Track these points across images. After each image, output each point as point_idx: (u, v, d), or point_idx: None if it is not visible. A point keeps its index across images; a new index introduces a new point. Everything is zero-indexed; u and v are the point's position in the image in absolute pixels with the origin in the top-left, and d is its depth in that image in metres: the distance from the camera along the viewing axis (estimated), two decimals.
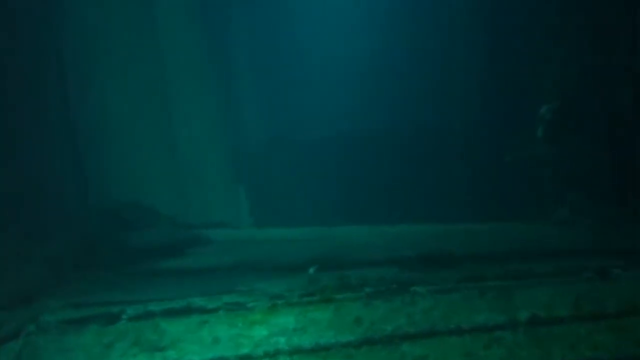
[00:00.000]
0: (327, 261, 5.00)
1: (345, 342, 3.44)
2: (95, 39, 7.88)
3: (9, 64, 6.50)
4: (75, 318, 4.07)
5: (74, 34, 7.74)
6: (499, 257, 4.90)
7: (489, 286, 4.17)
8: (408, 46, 12.04)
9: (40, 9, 7.15)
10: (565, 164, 6.85)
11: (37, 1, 7.24)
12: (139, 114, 8.26)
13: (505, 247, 5.19)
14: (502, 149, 9.04)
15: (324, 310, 3.99)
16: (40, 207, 6.08)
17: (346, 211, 11.72)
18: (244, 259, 5.26)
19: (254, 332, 3.68)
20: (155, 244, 5.53)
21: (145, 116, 8.40)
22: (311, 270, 4.54)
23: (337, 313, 3.88)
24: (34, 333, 3.95)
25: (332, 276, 4.53)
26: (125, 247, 5.60)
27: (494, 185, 9.54)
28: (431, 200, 11.06)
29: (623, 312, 3.62)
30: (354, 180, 11.93)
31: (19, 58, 6.67)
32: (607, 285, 4.03)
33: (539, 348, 3.25)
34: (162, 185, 7.93)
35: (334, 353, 3.36)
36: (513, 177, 8.85)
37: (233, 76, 12.14)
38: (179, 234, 6.03)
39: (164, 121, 9.06)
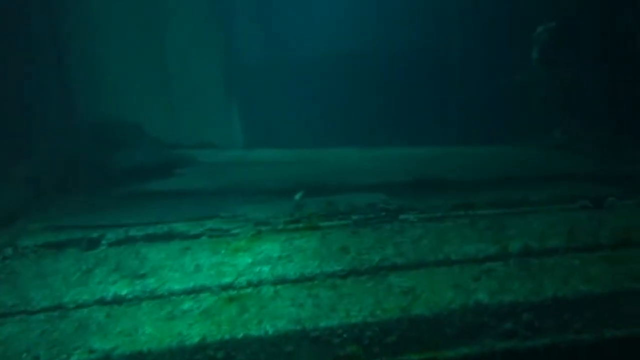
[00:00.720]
0: (315, 186, 4.86)
1: (331, 272, 3.32)
2: None
3: None
4: (54, 242, 3.95)
5: None
6: (491, 183, 4.77)
7: (480, 215, 4.05)
8: None
9: None
10: (560, 87, 6.67)
11: None
12: (126, 27, 7.99)
13: (498, 172, 5.06)
14: (496, 71, 8.84)
15: (309, 238, 3.86)
16: (23, 126, 5.91)
17: (339, 132, 11.58)
18: (230, 182, 5.11)
19: (237, 260, 3.55)
20: (140, 165, 5.37)
21: (133, 30, 8.14)
22: (297, 196, 4.39)
23: (323, 241, 3.76)
24: (11, 257, 3.84)
25: (319, 202, 4.40)
26: (108, 168, 5.45)
27: (487, 109, 9.36)
28: (423, 122, 10.90)
29: (618, 243, 3.51)
30: (347, 101, 11.74)
31: None
32: (602, 215, 3.90)
33: (531, 281, 3.14)
34: (150, 102, 7.74)
35: (319, 284, 3.25)
36: (506, 100, 8.67)
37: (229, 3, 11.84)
38: (165, 154, 5.86)
39: (152, 35, 8.80)
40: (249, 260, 3.55)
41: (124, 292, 3.23)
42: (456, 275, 3.26)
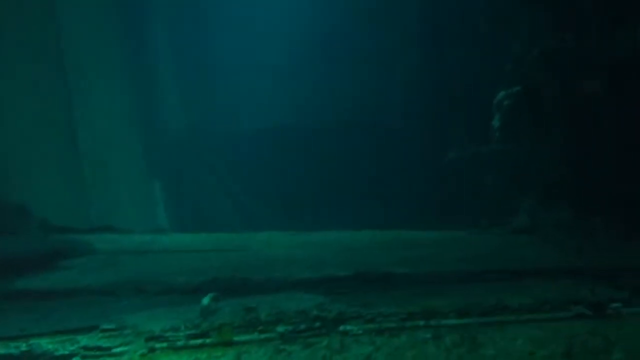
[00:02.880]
0: (233, 282, 3.85)
1: None
2: None
3: None
4: None
5: None
6: (452, 280, 3.82)
7: (445, 326, 3.08)
8: (342, 35, 11.01)
9: None
10: (521, 162, 5.85)
11: None
12: (24, 92, 6.94)
13: (457, 265, 4.12)
14: (444, 146, 8.06)
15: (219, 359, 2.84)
16: None
17: (271, 213, 10.60)
18: (126, 277, 4.05)
19: None
20: (14, 256, 4.26)
21: (33, 97, 7.09)
22: (205, 300, 3.37)
23: None
24: None
25: (236, 306, 3.39)
26: None
27: (434, 187, 8.52)
28: (362, 202, 9.99)
29: None
30: (279, 179, 10.80)
31: None
32: (607, 327, 2.97)
33: None
34: (49, 179, 6.68)
35: None
36: (457, 177, 7.87)
37: (147, 60, 10.91)
38: (51, 241, 4.77)
39: (59, 105, 7.78)
40: None
41: None
42: None
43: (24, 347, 3.00)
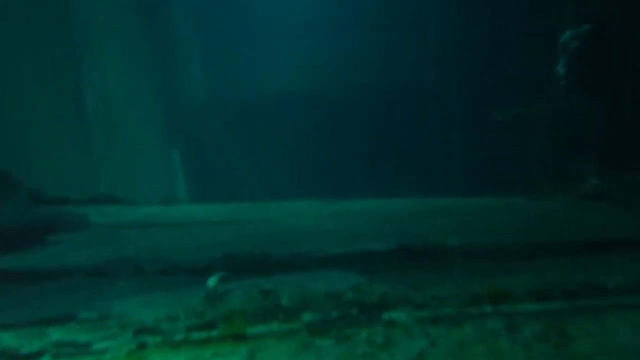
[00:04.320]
0: (249, 260, 3.15)
1: None
2: None
3: None
4: None
5: None
6: (522, 253, 3.09)
7: (522, 313, 2.36)
8: None
9: None
10: (584, 120, 5.08)
11: None
12: (21, 45, 6.29)
13: (525, 234, 3.38)
14: (491, 105, 7.30)
15: (228, 358, 2.16)
16: None
17: (299, 181, 9.92)
18: (123, 255, 3.37)
19: None
20: None
21: (31, 52, 6.44)
22: (212, 282, 2.68)
23: None
24: None
25: (250, 289, 2.70)
26: None
27: (480, 153, 7.74)
28: (403, 167, 9.23)
29: None
30: (309, 145, 10.09)
31: None
32: None
33: None
34: (45, 146, 6.04)
35: None
36: (504, 141, 7.11)
37: (169, 23, 10.25)
38: (39, 213, 4.10)
39: (62, 63, 7.12)
40: None
41: None
42: None
43: None
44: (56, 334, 2.40)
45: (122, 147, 8.27)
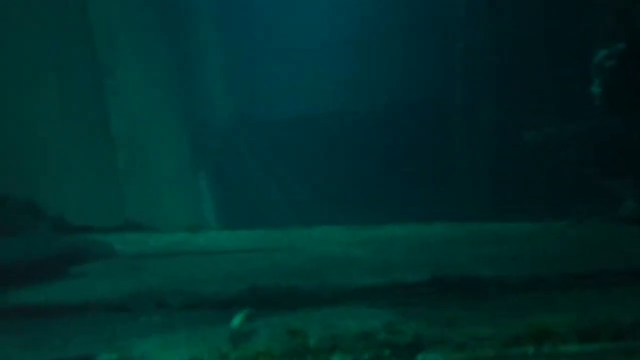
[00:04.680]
0: (276, 292, 3.02)
1: None
2: None
3: None
4: None
5: None
6: (562, 284, 2.93)
7: (566, 354, 2.21)
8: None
9: None
10: (622, 139, 4.90)
11: None
12: (42, 65, 6.24)
13: (566, 264, 3.22)
14: (522, 124, 7.11)
15: None
16: None
17: (327, 205, 9.78)
18: (147, 287, 3.26)
19: None
20: (13, 261, 3.50)
21: (54, 72, 6.39)
22: (237, 321, 2.56)
23: None
24: None
25: (276, 327, 2.57)
26: None
27: (512, 172, 7.55)
28: (432, 191, 9.05)
29: None
30: (337, 168, 9.95)
31: None
32: None
33: None
34: (69, 172, 5.96)
35: None
36: (537, 161, 6.92)
37: (194, 43, 10.18)
38: (62, 243, 4.01)
39: (87, 84, 7.07)
40: None
41: None
42: None
43: None
44: None
45: (148, 171, 8.20)
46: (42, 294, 3.28)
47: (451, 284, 3.05)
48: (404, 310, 2.76)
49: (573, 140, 5.92)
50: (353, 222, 7.04)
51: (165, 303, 3.04)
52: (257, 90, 10.35)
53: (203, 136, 10.27)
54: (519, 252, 3.57)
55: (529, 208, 6.21)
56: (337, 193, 9.71)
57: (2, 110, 5.13)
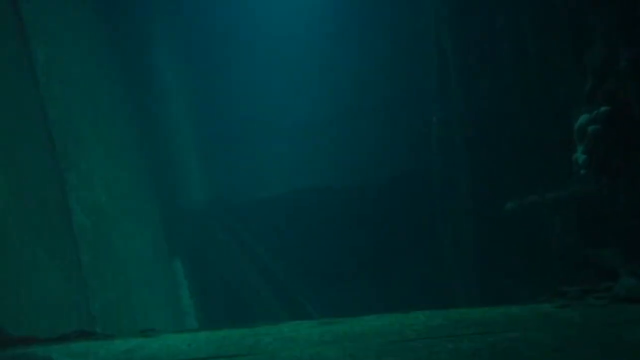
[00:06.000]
0: None
1: None
2: None
3: None
4: None
5: None
6: None
7: None
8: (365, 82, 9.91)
9: None
10: (610, 208, 4.57)
11: None
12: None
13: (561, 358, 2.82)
14: (498, 195, 6.83)
15: None
16: None
17: (306, 288, 9.37)
18: None
19: None
20: None
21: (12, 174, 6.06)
22: None
23: None
24: None
25: None
26: None
27: (493, 246, 7.18)
28: (412, 274, 8.63)
29: None
30: (316, 248, 9.57)
31: None
32: None
33: None
34: (28, 274, 5.59)
35: None
36: (520, 233, 6.60)
37: (166, 128, 9.90)
38: None
39: (46, 183, 6.73)
40: None
41: None
42: None
43: None
44: None
45: (115, 263, 7.81)
46: None
47: None
48: None
49: (555, 208, 5.62)
50: (334, 295, 6.64)
51: None
52: (229, 172, 10.08)
53: (177, 221, 9.94)
54: (507, 344, 3.17)
55: (513, 284, 5.90)
56: (317, 269, 9.39)
57: None
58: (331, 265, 9.17)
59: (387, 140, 9.60)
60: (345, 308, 5.79)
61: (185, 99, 10.32)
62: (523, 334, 3.32)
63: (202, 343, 3.74)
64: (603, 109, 4.32)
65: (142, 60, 9.53)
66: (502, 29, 6.33)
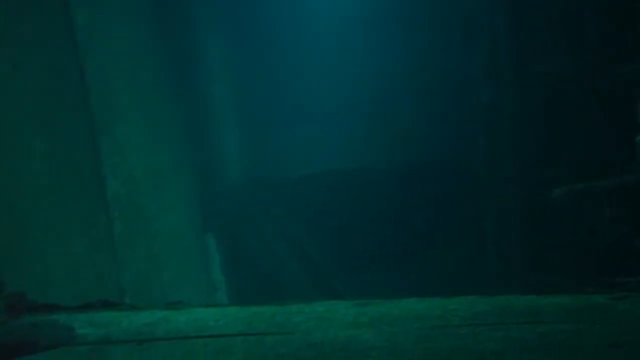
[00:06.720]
0: None
1: None
2: None
3: None
4: None
5: None
6: None
7: None
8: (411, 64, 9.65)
9: None
10: None
11: None
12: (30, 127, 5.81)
13: (615, 354, 2.58)
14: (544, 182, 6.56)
15: None
16: None
17: (340, 268, 9.19)
18: None
19: None
20: None
21: (42, 134, 5.94)
22: None
23: None
24: None
25: None
26: None
27: (543, 233, 6.94)
28: (451, 259, 8.42)
29: None
30: (354, 227, 9.38)
31: None
32: None
33: None
34: (60, 242, 5.48)
35: None
36: (566, 221, 6.33)
37: (205, 100, 9.75)
38: (13, 327, 3.40)
39: (78, 145, 6.59)
40: None
41: None
42: None
43: None
44: None
45: (148, 235, 7.68)
46: None
47: None
48: None
49: (605, 196, 5.34)
50: (368, 281, 6.42)
51: None
52: (266, 149, 9.92)
53: (213, 196, 9.81)
54: (556, 336, 2.92)
55: (557, 273, 5.65)
56: (353, 252, 9.24)
57: None
58: (367, 248, 8.96)
59: (431, 123, 9.34)
60: (379, 292, 5.55)
61: (226, 76, 10.14)
62: (576, 326, 3.06)
63: (231, 319, 3.54)
64: None
65: (187, 34, 9.37)
66: (561, 10, 6.05)
